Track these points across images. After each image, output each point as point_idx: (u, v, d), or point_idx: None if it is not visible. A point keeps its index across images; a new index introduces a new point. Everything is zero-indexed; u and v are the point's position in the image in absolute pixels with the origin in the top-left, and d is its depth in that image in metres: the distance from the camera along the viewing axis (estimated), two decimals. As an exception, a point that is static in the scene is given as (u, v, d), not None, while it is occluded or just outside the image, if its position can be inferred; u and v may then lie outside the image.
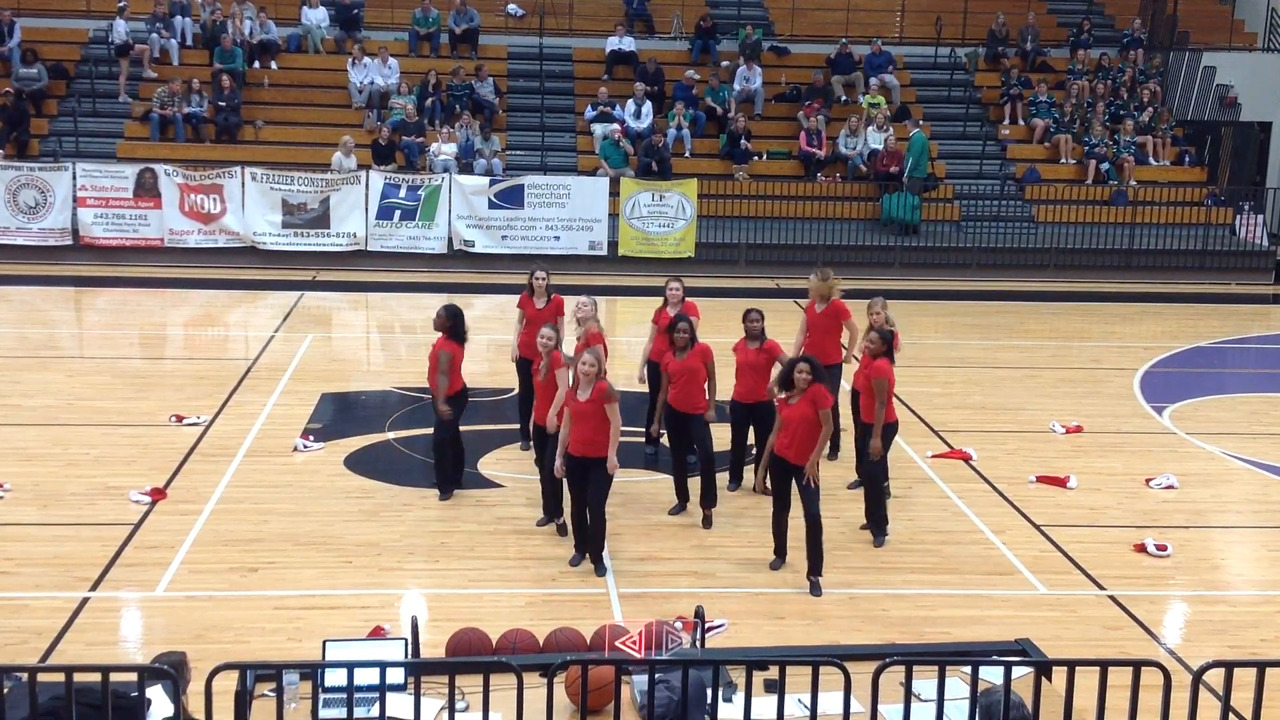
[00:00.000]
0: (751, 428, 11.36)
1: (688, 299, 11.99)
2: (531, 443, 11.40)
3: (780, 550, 9.92)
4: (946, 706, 5.46)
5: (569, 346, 11.03)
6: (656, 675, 5.65)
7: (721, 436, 11.53)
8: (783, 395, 9.68)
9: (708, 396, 11.02)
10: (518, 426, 12.50)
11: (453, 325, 11.10)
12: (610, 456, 9.56)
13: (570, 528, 10.06)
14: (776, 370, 10.48)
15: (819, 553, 9.52)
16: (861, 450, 10.77)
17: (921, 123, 24.20)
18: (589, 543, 9.77)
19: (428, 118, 23.46)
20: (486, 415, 13.32)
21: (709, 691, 5.52)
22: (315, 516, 10.68)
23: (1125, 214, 23.31)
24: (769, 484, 9.77)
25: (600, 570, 9.68)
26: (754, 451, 11.31)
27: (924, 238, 23.05)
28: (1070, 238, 23.08)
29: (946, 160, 24.43)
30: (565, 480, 9.94)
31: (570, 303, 12.04)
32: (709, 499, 10.83)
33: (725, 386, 11.29)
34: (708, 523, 10.73)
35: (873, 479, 10.55)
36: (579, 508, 9.82)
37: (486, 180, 22.06)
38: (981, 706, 5.46)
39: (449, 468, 11.25)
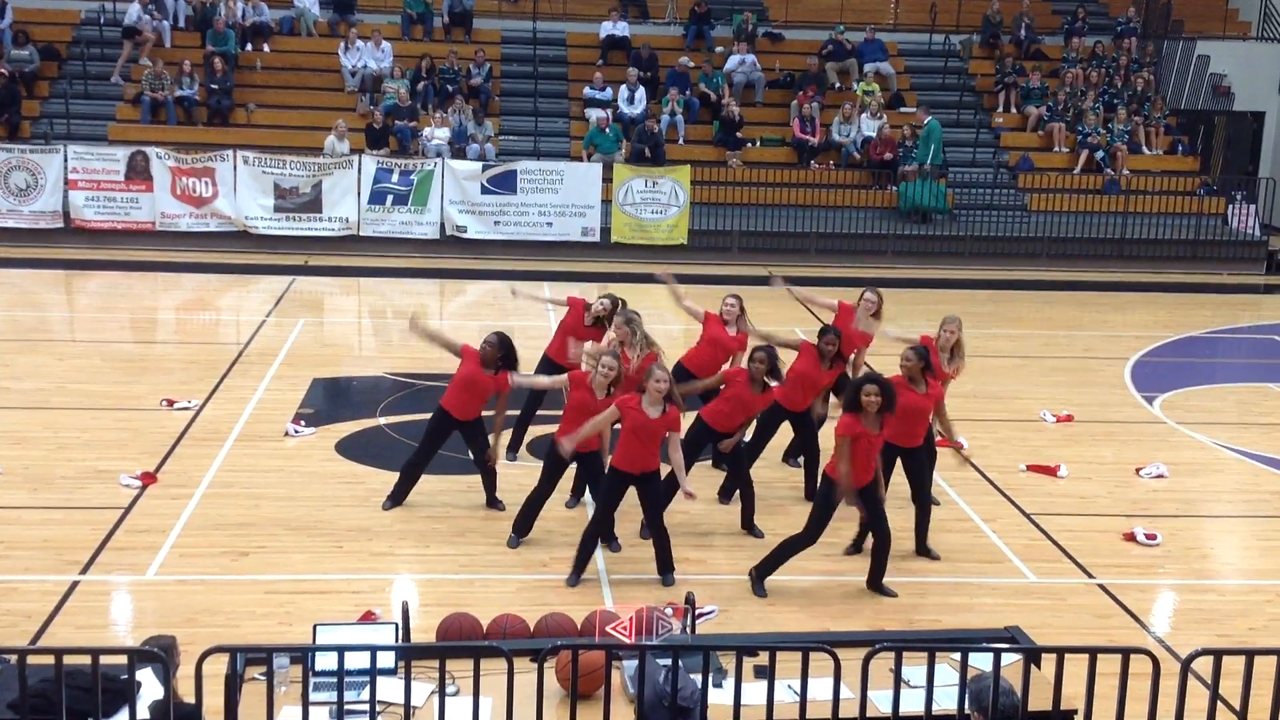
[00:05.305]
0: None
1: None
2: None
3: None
4: (936, 693, 5.48)
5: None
6: None
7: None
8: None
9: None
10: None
11: (505, 355, 10.16)
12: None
13: (580, 549, 9.26)
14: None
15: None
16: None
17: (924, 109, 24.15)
18: (659, 554, 9.22)
19: (420, 102, 23.40)
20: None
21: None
22: (306, 501, 10.67)
23: (1118, 203, 23.33)
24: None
25: (669, 580, 9.14)
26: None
27: (917, 225, 23.04)
28: (1063, 227, 23.09)
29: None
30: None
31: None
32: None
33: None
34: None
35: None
36: (608, 527, 9.47)
37: (479, 165, 22.01)
38: (971, 693, 5.48)
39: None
